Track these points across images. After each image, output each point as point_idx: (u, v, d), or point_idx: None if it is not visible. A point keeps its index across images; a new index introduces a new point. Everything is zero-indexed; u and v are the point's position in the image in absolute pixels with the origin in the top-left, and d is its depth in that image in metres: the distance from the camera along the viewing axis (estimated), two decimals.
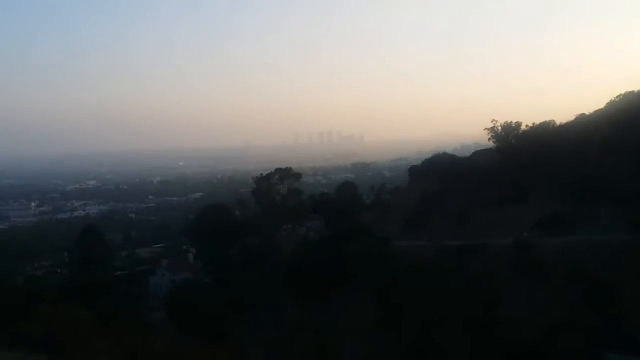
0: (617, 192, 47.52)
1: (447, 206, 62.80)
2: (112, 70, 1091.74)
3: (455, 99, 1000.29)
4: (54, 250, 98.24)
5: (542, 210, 53.56)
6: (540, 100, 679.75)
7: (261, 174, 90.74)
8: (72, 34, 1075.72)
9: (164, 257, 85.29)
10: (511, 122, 72.47)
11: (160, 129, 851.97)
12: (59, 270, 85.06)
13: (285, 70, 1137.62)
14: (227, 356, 21.73)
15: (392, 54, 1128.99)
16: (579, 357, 34.04)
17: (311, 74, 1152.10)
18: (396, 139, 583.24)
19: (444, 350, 36.53)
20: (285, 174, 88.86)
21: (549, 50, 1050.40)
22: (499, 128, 72.16)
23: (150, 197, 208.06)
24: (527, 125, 72.78)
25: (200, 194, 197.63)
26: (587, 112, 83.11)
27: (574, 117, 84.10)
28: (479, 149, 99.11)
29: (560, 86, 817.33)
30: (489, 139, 74.81)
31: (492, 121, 72.96)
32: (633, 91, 73.20)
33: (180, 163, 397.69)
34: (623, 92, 74.65)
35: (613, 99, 75.63)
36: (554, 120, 76.61)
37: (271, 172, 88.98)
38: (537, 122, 74.57)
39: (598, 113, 77.31)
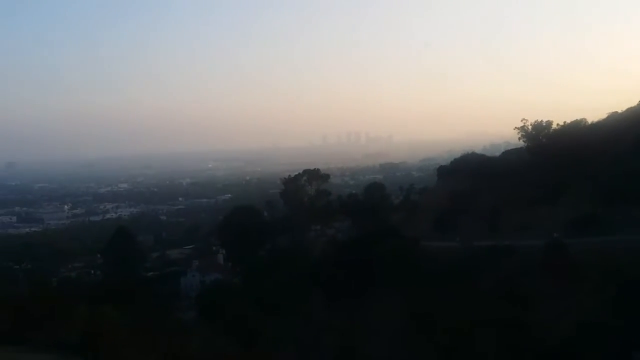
0: None
1: (477, 206, 62.17)
2: (142, 73, 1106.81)
3: (484, 97, 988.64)
4: (87, 252, 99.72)
5: (574, 210, 52.76)
6: (571, 98, 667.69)
7: (289, 175, 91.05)
8: (102, 36, 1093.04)
9: (194, 258, 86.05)
10: (542, 121, 71.52)
11: (190, 132, 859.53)
12: (92, 272, 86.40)
13: (313, 71, 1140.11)
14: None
15: (421, 52, 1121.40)
16: (610, 358, 33.49)
17: (339, 74, 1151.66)
18: (425, 139, 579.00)
19: (474, 351, 36.26)
20: (313, 175, 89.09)
21: (579, 46, 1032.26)
22: (529, 127, 71.27)
23: (180, 199, 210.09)
24: (558, 124, 71.80)
25: (229, 195, 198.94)
26: (619, 110, 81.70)
27: (606, 115, 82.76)
28: (509, 149, 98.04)
29: (591, 83, 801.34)
30: (519, 139, 73.95)
31: (522, 120, 72.14)
32: None
33: (210, 165, 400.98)
34: None
35: None
36: (585, 119, 75.51)
37: (299, 173, 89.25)
38: (568, 121, 73.58)
39: (631, 110, 75.90)
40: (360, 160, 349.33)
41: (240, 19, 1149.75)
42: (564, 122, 73.05)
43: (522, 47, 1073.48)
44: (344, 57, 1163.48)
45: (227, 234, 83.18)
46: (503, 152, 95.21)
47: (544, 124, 71.31)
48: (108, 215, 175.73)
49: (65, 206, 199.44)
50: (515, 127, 72.84)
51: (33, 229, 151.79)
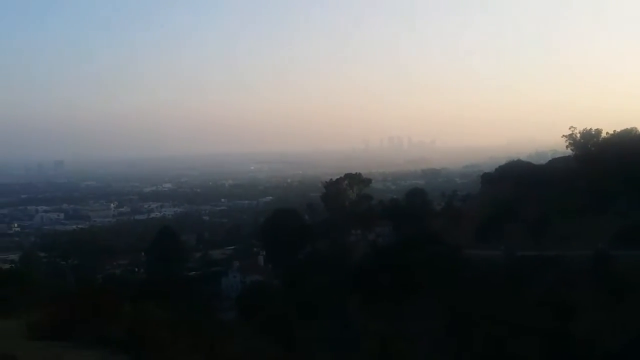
0: None
1: (522, 215, 61.05)
2: (188, 76, 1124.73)
3: (530, 104, 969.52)
4: (132, 249, 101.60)
5: (623, 221, 51.36)
6: (622, 106, 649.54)
7: (331, 179, 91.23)
8: (155, 36, 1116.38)
9: (235, 259, 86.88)
10: (590, 129, 69.96)
11: (234, 134, 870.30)
12: (136, 269, 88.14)
13: (356, 75, 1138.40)
14: None
15: (465, 57, 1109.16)
16: None
17: (382, 78, 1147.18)
18: (468, 145, 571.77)
19: None
20: (355, 179, 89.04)
21: (629, 52, 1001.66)
22: (578, 135, 69.74)
23: (222, 200, 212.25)
24: (607, 133, 70.07)
25: (270, 197, 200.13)
26: None
27: None
28: (556, 157, 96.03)
29: None
30: (567, 147, 72.43)
31: (570, 128, 70.71)
32: None
33: (252, 167, 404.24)
34: None
35: None
36: (636, 128, 73.45)
37: (340, 177, 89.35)
38: (619, 129, 71.75)
39: None
40: (402, 165, 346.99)
41: (285, 25, 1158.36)
42: (614, 130, 71.27)
43: (571, 53, 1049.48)
44: (387, 60, 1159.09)
45: (268, 235, 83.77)
46: (550, 160, 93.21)
47: (593, 132, 69.71)
48: (152, 215, 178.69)
49: (111, 204, 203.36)
50: (563, 135, 71.40)
51: (80, 226, 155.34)
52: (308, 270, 61.91)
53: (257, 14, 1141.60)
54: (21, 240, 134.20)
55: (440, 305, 42.00)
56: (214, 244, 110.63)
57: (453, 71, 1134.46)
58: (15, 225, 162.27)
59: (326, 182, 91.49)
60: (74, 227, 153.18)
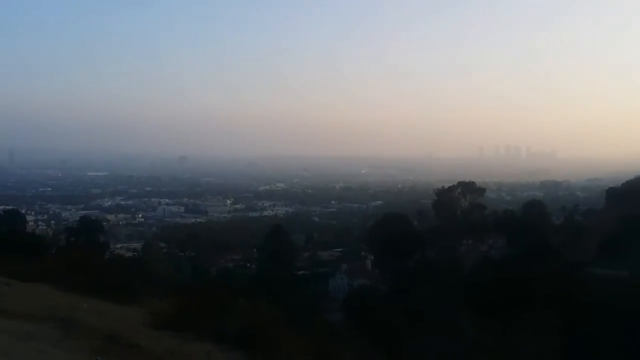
0: None
1: None
2: (305, 78, 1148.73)
3: None
4: (245, 245, 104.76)
5: None
6: None
7: (443, 186, 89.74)
8: (272, 40, 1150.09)
9: (343, 262, 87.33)
10: None
11: (347, 138, 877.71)
12: (248, 265, 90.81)
13: (471, 80, 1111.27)
14: None
15: (590, 62, 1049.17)
16: None
17: (500, 84, 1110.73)
18: (592, 156, 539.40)
19: None
20: (468, 187, 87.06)
21: None
22: None
23: (332, 202, 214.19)
24: None
25: (380, 202, 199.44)
26: None
27: None
28: None
29: None
30: None
31: None
32: None
33: (363, 171, 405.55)
34: None
35: None
36: None
37: (453, 185, 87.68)
38: None
39: None
40: (518, 175, 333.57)
41: (401, 27, 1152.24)
42: None
43: None
44: (503, 66, 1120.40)
45: (377, 240, 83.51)
46: None
47: None
48: (265, 213, 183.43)
49: (228, 201, 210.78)
50: None
51: (198, 220, 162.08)
52: (416, 278, 60.94)
53: (372, 17, 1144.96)
54: (144, 230, 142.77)
55: (557, 324, 39.68)
56: (323, 245, 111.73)
57: (575, 78, 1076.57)
58: (140, 215, 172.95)
59: (438, 189, 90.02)
60: (193, 220, 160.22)
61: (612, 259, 54.33)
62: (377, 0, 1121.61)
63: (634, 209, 66.49)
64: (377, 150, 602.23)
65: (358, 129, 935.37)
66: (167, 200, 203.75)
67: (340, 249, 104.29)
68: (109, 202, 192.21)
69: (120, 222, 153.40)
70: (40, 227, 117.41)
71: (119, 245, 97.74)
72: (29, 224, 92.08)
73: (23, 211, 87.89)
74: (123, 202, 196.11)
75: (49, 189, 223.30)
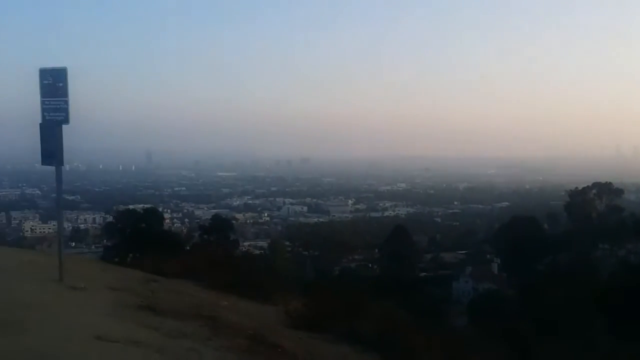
0: None
1: None
2: (427, 78, 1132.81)
3: None
4: (366, 245, 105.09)
5: None
6: None
7: (576, 187, 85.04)
8: (386, 37, 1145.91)
9: (467, 264, 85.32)
10: None
11: (471, 137, 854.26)
12: (370, 265, 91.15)
13: (607, 72, 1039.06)
14: None
15: None
16: None
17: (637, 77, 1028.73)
18: None
19: None
20: (605, 189, 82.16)
21: None
22: None
23: (455, 202, 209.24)
24: None
25: (506, 203, 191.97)
26: None
27: None
28: None
29: None
30: None
31: None
32: None
33: (491, 171, 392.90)
34: None
35: None
36: None
37: (587, 186, 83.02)
38: None
39: None
40: None
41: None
42: None
43: None
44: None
45: (503, 243, 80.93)
46: None
47: None
48: (386, 213, 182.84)
49: (349, 201, 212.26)
50: None
51: (320, 219, 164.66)
52: (547, 283, 58.18)
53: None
54: (270, 229, 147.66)
55: None
56: (445, 247, 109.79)
57: None
58: (265, 214, 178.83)
59: (570, 190, 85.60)
60: (315, 220, 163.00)
61: None
62: None
63: None
64: (503, 150, 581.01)
65: (484, 129, 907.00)
66: (291, 200, 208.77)
67: (464, 252, 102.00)
68: (238, 202, 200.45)
69: (248, 221, 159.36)
70: (175, 224, 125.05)
71: (246, 243, 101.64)
72: (166, 221, 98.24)
73: (160, 209, 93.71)
74: (250, 202, 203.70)
75: (183, 188, 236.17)
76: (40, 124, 10.81)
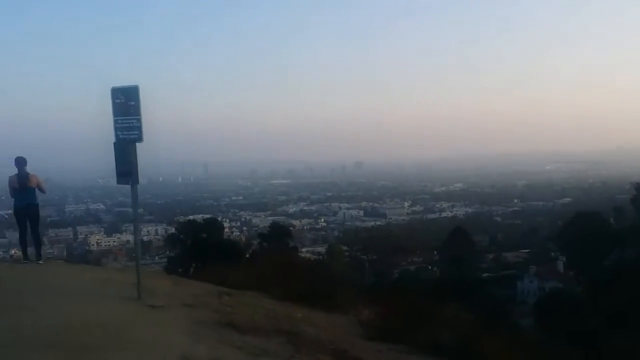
0: None
1: None
2: (462, 78, 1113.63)
3: None
4: (425, 247, 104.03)
5: None
6: None
7: None
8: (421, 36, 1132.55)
9: (531, 263, 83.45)
10: None
11: (525, 133, 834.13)
12: (429, 267, 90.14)
13: None
14: None
15: None
16: None
17: None
18: None
19: None
20: None
21: None
22: None
23: (515, 200, 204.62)
24: None
25: (568, 199, 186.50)
26: None
27: None
28: None
29: None
30: None
31: None
32: None
33: (548, 167, 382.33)
34: None
35: None
36: None
37: None
38: None
39: None
40: None
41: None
42: None
43: None
44: None
45: (568, 240, 78.73)
46: None
47: None
48: (444, 214, 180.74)
49: (405, 203, 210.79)
50: None
51: (377, 223, 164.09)
52: (616, 280, 56.20)
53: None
54: (327, 234, 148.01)
55: None
56: (507, 246, 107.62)
57: None
58: (322, 220, 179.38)
59: (637, 183, 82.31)
60: (372, 223, 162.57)
61: None
62: None
63: None
64: (562, 144, 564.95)
65: (538, 124, 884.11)
66: (346, 205, 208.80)
67: (527, 250, 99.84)
68: (294, 208, 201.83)
69: (305, 227, 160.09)
70: (234, 233, 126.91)
71: (304, 249, 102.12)
72: (225, 230, 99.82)
73: (219, 219, 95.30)
74: (306, 208, 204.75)
75: (240, 197, 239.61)
76: (114, 143, 10.67)
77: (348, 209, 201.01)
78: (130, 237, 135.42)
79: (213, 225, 66.34)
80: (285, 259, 17.98)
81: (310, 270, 17.90)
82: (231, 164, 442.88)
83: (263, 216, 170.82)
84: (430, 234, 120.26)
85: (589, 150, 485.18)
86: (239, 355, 7.97)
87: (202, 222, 67.64)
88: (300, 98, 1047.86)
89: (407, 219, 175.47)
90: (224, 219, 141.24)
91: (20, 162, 15.27)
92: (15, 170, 15.26)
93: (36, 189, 15.50)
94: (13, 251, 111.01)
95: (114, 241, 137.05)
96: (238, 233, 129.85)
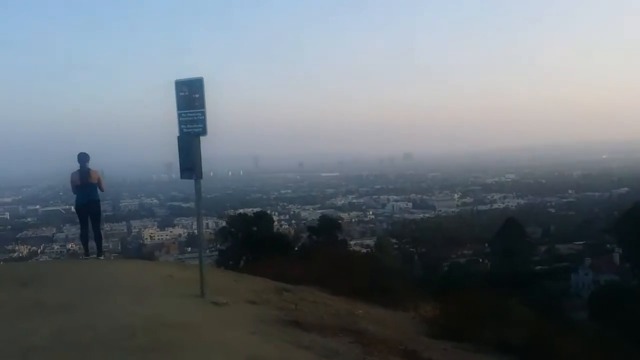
0: None
1: None
2: (506, 71, 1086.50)
3: None
4: (475, 240, 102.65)
5: None
6: None
7: None
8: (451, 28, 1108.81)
9: (585, 255, 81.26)
10: None
11: (582, 122, 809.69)
12: (480, 260, 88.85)
13: None
14: None
15: None
16: None
17: None
18: None
19: None
20: None
21: None
22: None
23: (570, 191, 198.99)
24: None
25: (626, 189, 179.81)
26: None
27: None
28: None
29: None
30: None
31: None
32: None
33: (604, 156, 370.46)
34: None
35: None
36: None
37: None
38: None
39: None
40: None
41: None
42: None
43: None
44: None
45: (625, 231, 76.15)
46: None
47: None
48: (495, 206, 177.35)
49: (455, 195, 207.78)
50: None
51: (426, 215, 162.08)
52: None
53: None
54: (375, 227, 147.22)
55: None
56: (561, 238, 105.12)
57: None
58: (370, 212, 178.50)
59: None
60: (421, 216, 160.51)
61: None
62: None
63: None
64: (620, 132, 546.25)
65: (594, 112, 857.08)
66: (395, 197, 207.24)
67: (581, 242, 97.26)
68: (342, 201, 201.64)
69: (353, 220, 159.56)
70: (283, 226, 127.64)
71: (353, 242, 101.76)
72: (274, 223, 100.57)
73: (269, 212, 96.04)
74: (355, 200, 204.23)
75: (289, 190, 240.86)
76: (178, 136, 10.37)
77: (397, 201, 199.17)
78: (182, 231, 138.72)
79: (263, 219, 66.69)
80: (342, 253, 18.04)
81: (365, 265, 17.92)
82: (280, 157, 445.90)
83: (311, 209, 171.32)
84: (481, 226, 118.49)
85: None
86: (309, 356, 7.84)
87: (252, 215, 68.21)
88: (349, 92, 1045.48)
89: (457, 211, 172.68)
90: (273, 212, 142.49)
91: (83, 158, 15.23)
92: (77, 166, 15.25)
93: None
94: (70, 245, 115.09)
95: (167, 235, 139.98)
96: (287, 226, 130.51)
